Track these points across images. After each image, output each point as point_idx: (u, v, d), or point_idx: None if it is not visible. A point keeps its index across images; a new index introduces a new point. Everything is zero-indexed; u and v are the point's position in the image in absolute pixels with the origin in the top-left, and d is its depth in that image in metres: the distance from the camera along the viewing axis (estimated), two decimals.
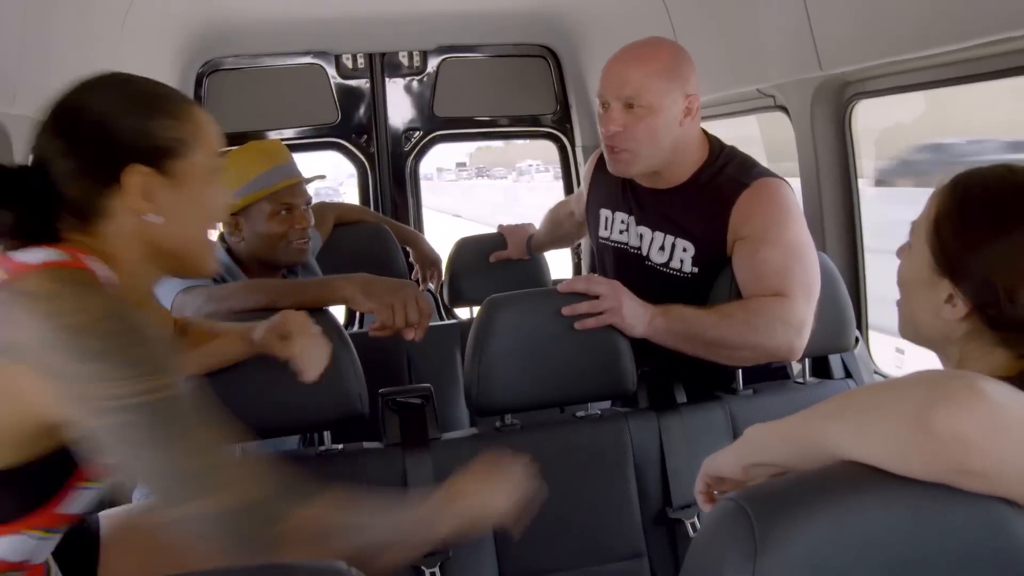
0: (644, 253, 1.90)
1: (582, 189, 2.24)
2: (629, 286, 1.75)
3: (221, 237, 2.18)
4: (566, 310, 1.68)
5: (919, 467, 0.77)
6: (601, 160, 1.98)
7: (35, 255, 1.04)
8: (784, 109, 2.28)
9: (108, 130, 1.10)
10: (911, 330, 1.10)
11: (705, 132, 1.91)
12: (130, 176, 1.10)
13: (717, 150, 1.89)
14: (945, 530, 0.76)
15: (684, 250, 1.84)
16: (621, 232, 1.98)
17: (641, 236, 1.91)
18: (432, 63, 3.39)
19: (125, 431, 0.98)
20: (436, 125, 3.45)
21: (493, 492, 1.33)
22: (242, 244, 2.14)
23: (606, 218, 2.03)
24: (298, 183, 2.15)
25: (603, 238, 2.03)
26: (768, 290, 1.71)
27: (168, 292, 1.79)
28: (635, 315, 1.69)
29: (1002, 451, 0.76)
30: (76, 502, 1.12)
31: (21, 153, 1.80)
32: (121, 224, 1.12)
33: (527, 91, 3.46)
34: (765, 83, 2.27)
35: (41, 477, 1.07)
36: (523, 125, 3.56)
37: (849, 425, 0.84)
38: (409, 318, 1.68)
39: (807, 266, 1.75)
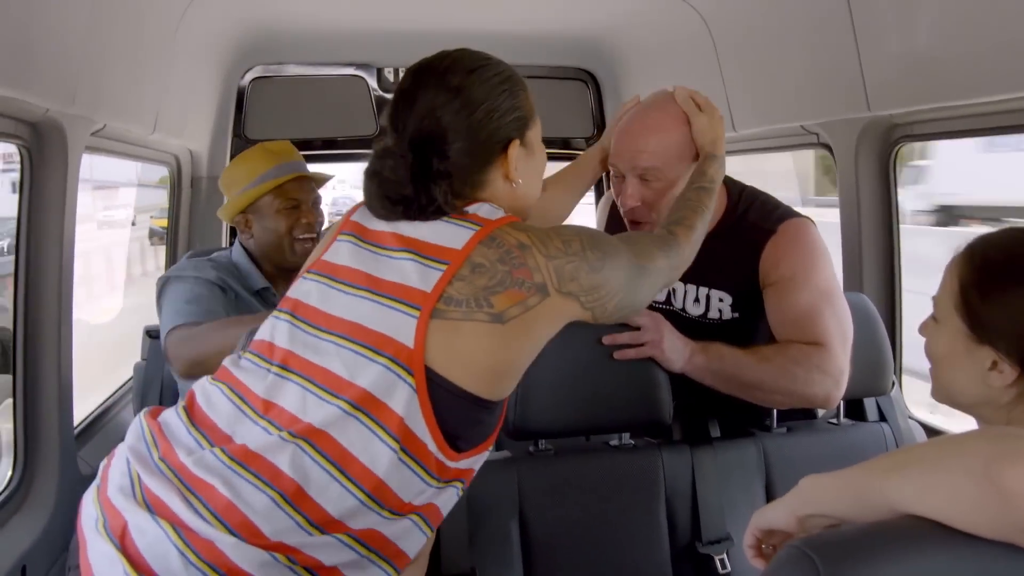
0: (678, 306, 1.89)
1: (599, 221, 2.22)
2: None
3: (234, 235, 2.25)
4: (607, 339, 1.68)
5: (985, 524, 0.77)
6: (614, 209, 1.95)
7: (485, 209, 1.27)
8: (827, 147, 2.28)
9: (494, 112, 1.28)
10: (949, 398, 1.11)
11: None
12: (512, 149, 1.31)
13: (736, 195, 1.87)
14: None
15: (721, 300, 1.84)
16: None
17: (673, 290, 1.89)
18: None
19: (624, 283, 1.30)
20: None
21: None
22: (252, 242, 2.19)
23: None
24: (305, 179, 2.20)
25: None
26: (804, 336, 1.71)
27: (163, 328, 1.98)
28: (675, 350, 1.68)
29: None
30: (493, 437, 1.31)
31: (76, 151, 1.83)
32: (495, 189, 1.32)
33: (566, 113, 3.48)
34: (810, 120, 2.27)
35: (502, 405, 1.28)
36: (560, 147, 3.57)
37: (912, 480, 0.83)
38: None
39: (838, 311, 1.74)
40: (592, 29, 3.11)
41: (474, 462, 1.28)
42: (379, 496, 1.16)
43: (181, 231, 2.96)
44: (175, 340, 1.93)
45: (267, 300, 2.14)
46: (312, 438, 1.14)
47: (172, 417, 1.26)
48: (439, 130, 1.26)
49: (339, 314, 1.24)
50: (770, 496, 1.78)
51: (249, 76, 3.21)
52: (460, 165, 1.27)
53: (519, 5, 2.77)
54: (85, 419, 2.36)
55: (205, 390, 1.28)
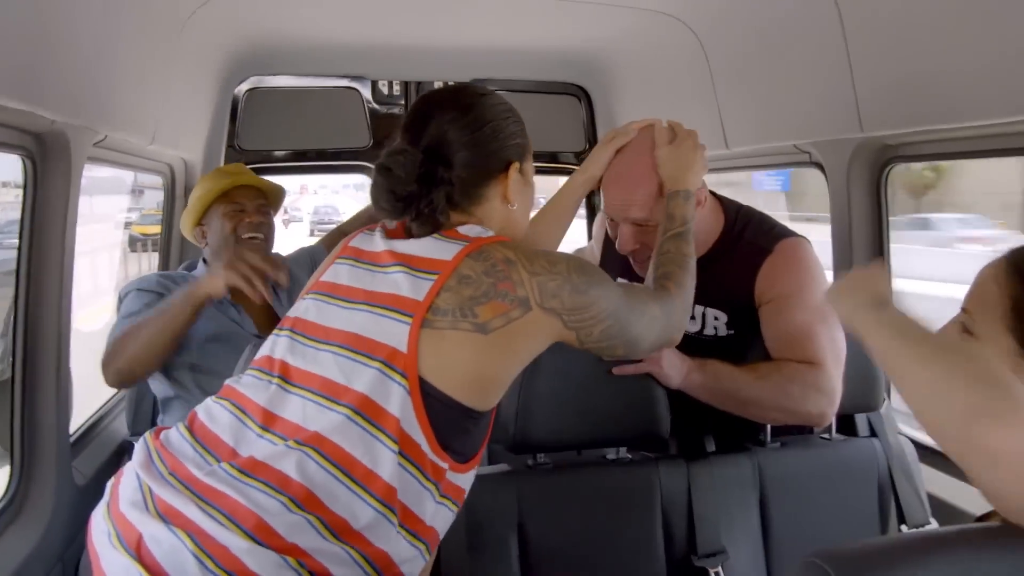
0: None
1: (594, 247, 2.24)
2: None
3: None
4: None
5: (955, 457, 0.83)
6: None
7: (475, 229, 1.34)
8: (819, 166, 2.32)
9: (499, 132, 1.39)
10: None
11: (716, 196, 1.93)
12: (512, 171, 1.40)
13: (732, 215, 1.90)
14: None
15: (716, 318, 1.87)
16: None
17: None
18: None
19: (611, 312, 1.35)
20: None
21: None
22: (208, 251, 2.34)
23: None
24: (250, 187, 2.34)
25: None
26: (799, 355, 1.74)
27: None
28: (673, 367, 1.71)
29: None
30: (483, 449, 1.35)
31: (79, 161, 1.83)
32: (490, 208, 1.40)
33: (558, 128, 3.51)
34: (803, 139, 2.31)
35: (489, 418, 1.32)
36: (548, 161, 3.60)
37: (918, 388, 0.89)
38: (256, 266, 1.95)
39: (832, 330, 1.77)
40: (586, 45, 3.14)
41: (465, 480, 1.32)
42: (391, 502, 1.19)
43: (174, 240, 2.96)
44: (104, 355, 2.04)
45: (222, 304, 2.24)
46: (316, 444, 1.18)
47: (174, 435, 1.29)
48: (447, 140, 1.35)
49: (336, 326, 1.29)
50: (764, 510, 1.81)
51: (244, 87, 3.22)
52: (462, 176, 1.35)
53: (513, 20, 2.79)
54: (78, 429, 2.35)
55: (207, 407, 1.32)
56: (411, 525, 1.23)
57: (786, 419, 1.76)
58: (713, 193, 1.92)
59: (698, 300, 1.86)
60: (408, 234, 1.39)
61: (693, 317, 1.89)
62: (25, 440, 1.85)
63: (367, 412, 1.20)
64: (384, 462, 1.19)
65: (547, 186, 3.27)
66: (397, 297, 1.26)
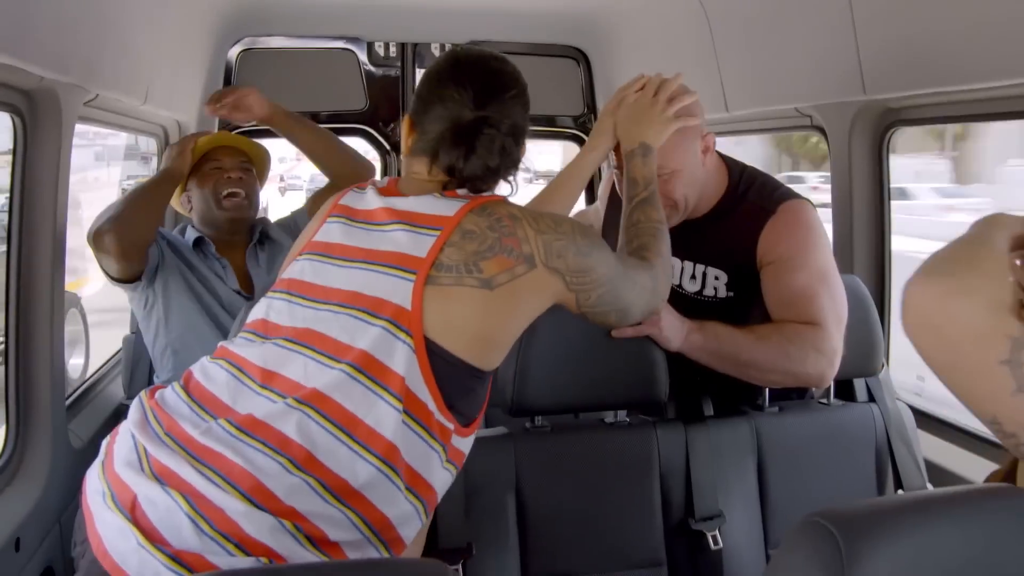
0: (676, 283, 1.90)
1: (599, 208, 2.23)
2: None
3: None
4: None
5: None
6: (614, 195, 1.95)
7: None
8: (821, 130, 2.29)
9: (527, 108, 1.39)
10: None
11: (720, 155, 1.90)
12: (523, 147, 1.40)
13: (737, 175, 1.88)
14: (1017, 560, 0.78)
15: (716, 278, 1.86)
16: None
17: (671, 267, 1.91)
18: None
19: (609, 278, 1.36)
20: None
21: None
22: (194, 215, 2.36)
23: None
24: (229, 147, 2.37)
25: None
26: (799, 316, 1.72)
27: None
28: (672, 328, 1.70)
29: None
30: (482, 411, 1.34)
31: (70, 121, 1.80)
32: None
33: (556, 91, 3.46)
34: (804, 103, 2.28)
35: (487, 387, 1.31)
36: (549, 125, 3.56)
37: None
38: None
39: (835, 292, 1.76)
40: (585, 7, 3.10)
41: (466, 445, 1.31)
42: (393, 461, 1.17)
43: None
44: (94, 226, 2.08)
45: (204, 250, 2.32)
46: (316, 403, 1.16)
47: (169, 394, 1.27)
48: (520, 130, 1.38)
49: (336, 285, 1.27)
50: (762, 475, 1.81)
51: (238, 48, 3.17)
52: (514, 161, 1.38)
53: None
54: (74, 391, 2.35)
55: (202, 366, 1.29)
56: (417, 487, 1.22)
57: (785, 381, 1.75)
58: (720, 155, 1.90)
59: (699, 259, 1.86)
60: (402, 192, 1.36)
61: (693, 276, 1.88)
62: (20, 403, 1.84)
63: (368, 369, 1.18)
64: (387, 420, 1.17)
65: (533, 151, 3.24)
66: (398, 254, 1.24)
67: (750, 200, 1.84)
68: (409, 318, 1.19)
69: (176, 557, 1.07)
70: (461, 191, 1.32)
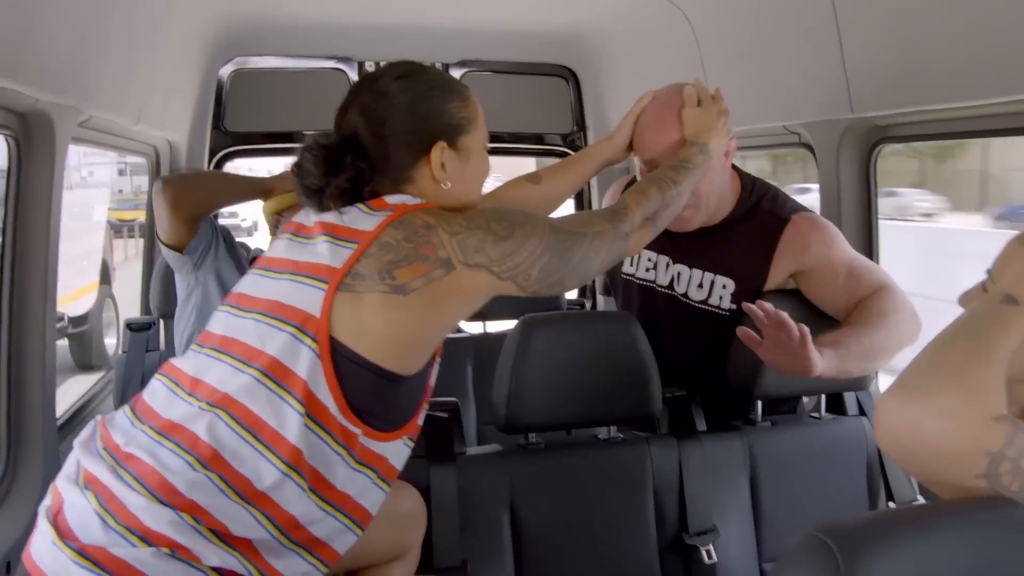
0: (682, 291, 1.91)
1: None
2: (657, 322, 1.78)
3: None
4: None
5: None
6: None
7: (402, 198, 1.31)
8: (809, 147, 2.32)
9: (417, 114, 1.35)
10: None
11: (732, 166, 1.93)
12: (436, 151, 1.35)
13: (749, 184, 1.92)
14: (1014, 571, 0.79)
15: (724, 287, 1.87)
16: (648, 270, 1.99)
17: (678, 275, 1.92)
18: (454, 75, 3.42)
19: (545, 247, 1.33)
20: None
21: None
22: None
23: (631, 255, 2.03)
24: None
25: (627, 274, 2.03)
26: (868, 289, 1.78)
27: None
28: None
29: None
30: (422, 416, 1.37)
31: (64, 142, 1.81)
32: (421, 187, 1.36)
33: (546, 109, 3.50)
34: (793, 120, 2.31)
35: (418, 388, 1.34)
36: (538, 143, 3.59)
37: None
38: None
39: (873, 264, 1.89)
40: (574, 26, 3.13)
41: (390, 450, 1.32)
42: (297, 464, 1.21)
43: None
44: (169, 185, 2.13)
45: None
46: (227, 406, 1.21)
47: (119, 415, 1.31)
48: (360, 127, 1.35)
49: (262, 296, 1.31)
50: (755, 489, 1.82)
51: (229, 68, 3.18)
52: (380, 160, 1.34)
53: (501, 1, 2.78)
54: (66, 413, 2.34)
55: (149, 385, 1.34)
56: (322, 490, 1.24)
57: (902, 349, 1.74)
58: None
59: (708, 267, 1.88)
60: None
61: (701, 285, 1.90)
62: (12, 424, 1.83)
63: (275, 374, 1.21)
64: (290, 423, 1.20)
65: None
66: (317, 265, 1.26)
67: (764, 209, 1.87)
68: (316, 324, 1.22)
69: (83, 552, 1.12)
70: (389, 199, 1.32)
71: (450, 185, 1.37)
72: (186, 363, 1.31)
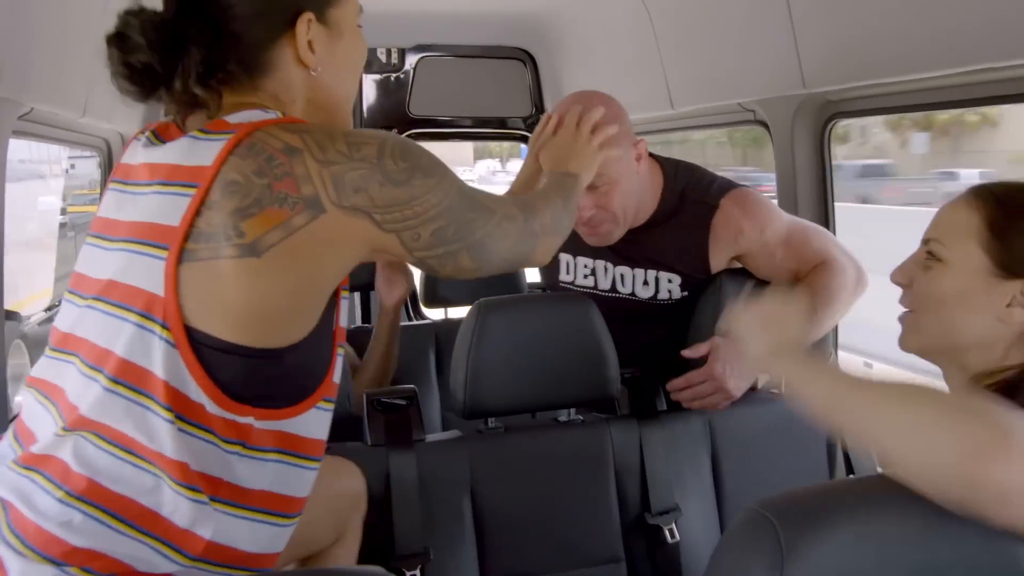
0: (628, 291, 1.92)
1: None
2: (607, 325, 1.76)
3: None
4: (670, 385, 1.79)
5: (956, 501, 0.79)
6: None
7: (250, 115, 1.03)
8: (764, 124, 2.32)
9: None
10: (940, 341, 1.09)
11: (652, 156, 1.91)
12: (301, 24, 1.08)
13: (671, 173, 1.90)
14: (957, 545, 0.80)
15: (670, 281, 1.88)
16: (586, 276, 1.98)
17: (621, 276, 1.92)
18: (410, 61, 3.38)
19: (445, 208, 1.09)
20: (411, 124, 3.44)
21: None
22: None
23: (567, 263, 2.01)
24: None
25: (565, 283, 2.03)
26: (809, 265, 1.82)
27: None
28: (742, 377, 1.76)
29: None
30: (337, 371, 1.13)
31: (3, 135, 1.76)
32: (284, 76, 1.10)
33: (503, 93, 3.48)
34: (747, 97, 2.31)
35: (319, 346, 1.07)
36: (498, 127, 3.57)
37: (900, 435, 0.84)
38: None
39: (812, 229, 1.89)
40: (530, 8, 3.11)
41: (296, 424, 1.07)
42: (188, 480, 0.98)
43: None
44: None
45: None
46: (88, 428, 0.98)
47: (4, 441, 1.09)
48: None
49: (97, 274, 1.06)
50: (716, 467, 1.82)
51: None
52: (231, 35, 1.06)
53: None
54: (14, 417, 2.29)
55: (24, 399, 1.10)
56: (228, 497, 1.02)
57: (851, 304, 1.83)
58: (650, 154, 1.91)
59: (649, 265, 1.88)
60: (170, 135, 1.09)
61: (646, 283, 1.90)
62: None
63: (127, 379, 0.97)
64: (161, 435, 0.96)
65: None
66: (151, 226, 0.99)
67: (690, 198, 1.86)
68: (164, 306, 0.96)
69: None
70: (231, 118, 1.03)
71: (320, 71, 1.12)
72: (46, 370, 1.07)
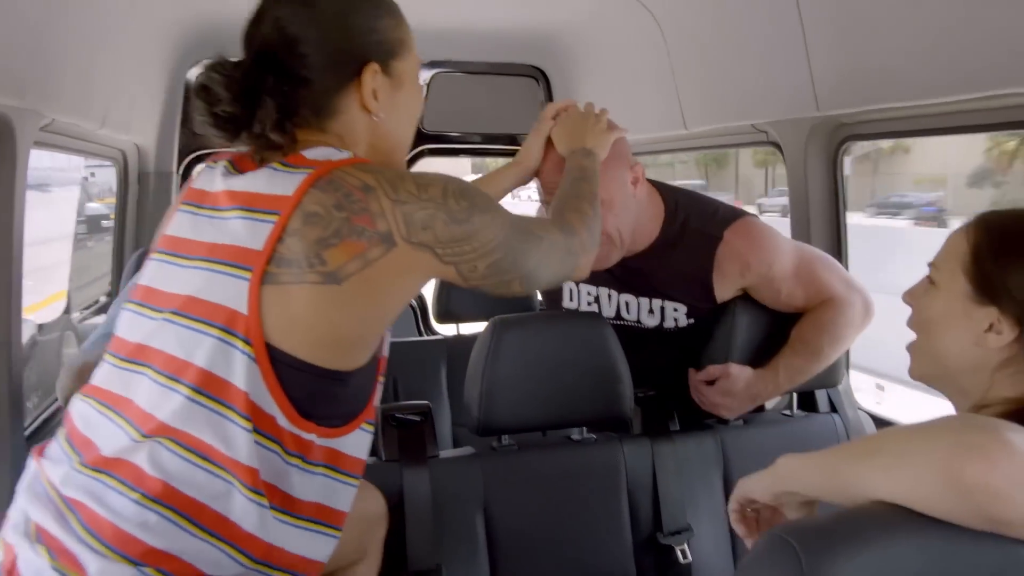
0: (634, 319, 1.91)
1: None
2: None
3: None
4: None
5: (946, 514, 0.81)
6: None
7: (325, 152, 1.11)
8: (777, 145, 2.33)
9: (347, 27, 1.16)
10: (934, 367, 1.12)
11: (652, 183, 1.89)
12: (367, 74, 1.17)
13: (672, 202, 1.87)
14: (979, 568, 0.80)
15: (675, 310, 1.87)
16: (589, 304, 1.97)
17: (626, 304, 1.91)
18: (423, 77, 3.41)
19: (500, 242, 1.17)
20: (423, 139, 3.46)
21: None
22: None
23: (570, 290, 2.00)
24: None
25: (569, 310, 2.02)
26: (814, 302, 1.82)
27: None
28: (744, 399, 1.82)
29: None
30: (377, 396, 1.22)
31: (25, 147, 1.78)
32: (349, 120, 1.18)
33: (516, 110, 3.49)
34: (760, 119, 2.32)
35: (371, 373, 1.17)
36: (511, 144, 3.59)
37: (881, 468, 0.87)
38: None
39: (820, 260, 1.86)
40: (543, 27, 3.13)
41: (345, 443, 1.16)
42: (256, 486, 1.06)
43: (128, 227, 2.90)
44: None
45: None
46: (166, 434, 1.04)
47: (54, 447, 1.15)
48: (282, 41, 1.14)
49: (174, 290, 1.12)
50: (728, 487, 1.82)
51: (196, 70, 3.14)
52: (304, 82, 1.14)
53: (471, 1, 2.77)
54: (33, 421, 2.30)
55: (77, 407, 1.16)
56: (285, 506, 1.10)
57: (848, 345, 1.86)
58: (649, 181, 1.88)
59: (654, 294, 1.87)
60: (247, 167, 1.17)
61: (651, 311, 1.89)
62: None
63: (209, 389, 1.04)
64: (239, 443, 1.04)
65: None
66: (235, 249, 1.07)
67: (693, 228, 1.84)
68: (247, 323, 1.03)
69: None
70: (309, 153, 1.12)
71: (382, 117, 1.20)
72: (110, 380, 1.13)
